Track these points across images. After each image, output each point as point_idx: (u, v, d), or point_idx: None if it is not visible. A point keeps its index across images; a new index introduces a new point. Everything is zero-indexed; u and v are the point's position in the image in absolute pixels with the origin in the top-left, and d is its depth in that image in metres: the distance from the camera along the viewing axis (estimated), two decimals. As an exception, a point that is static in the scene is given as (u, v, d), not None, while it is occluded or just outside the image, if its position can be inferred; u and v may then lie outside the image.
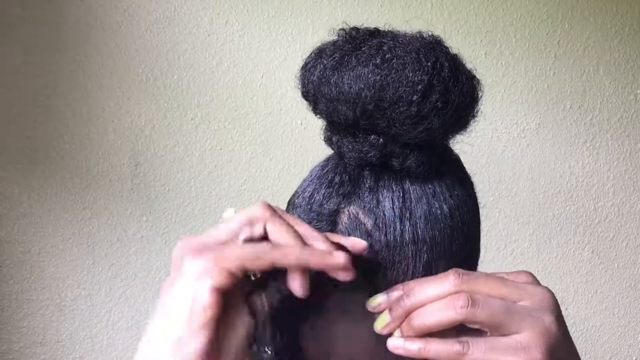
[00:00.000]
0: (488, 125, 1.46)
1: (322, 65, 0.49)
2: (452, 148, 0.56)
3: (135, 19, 1.28)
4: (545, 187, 1.51)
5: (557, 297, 0.46)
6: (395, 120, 0.47)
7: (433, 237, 0.49)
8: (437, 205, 0.50)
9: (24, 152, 1.25)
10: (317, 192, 0.52)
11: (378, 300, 0.48)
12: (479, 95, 0.51)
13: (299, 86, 0.52)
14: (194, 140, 1.32)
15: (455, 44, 0.49)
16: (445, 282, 0.45)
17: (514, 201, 1.49)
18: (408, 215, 0.49)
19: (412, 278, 0.49)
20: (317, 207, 0.51)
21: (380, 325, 0.47)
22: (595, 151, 1.53)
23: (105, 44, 1.27)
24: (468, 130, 0.52)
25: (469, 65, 0.51)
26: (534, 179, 1.50)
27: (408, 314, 0.46)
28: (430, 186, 0.51)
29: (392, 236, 0.49)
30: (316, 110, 0.52)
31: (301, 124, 1.35)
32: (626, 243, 1.58)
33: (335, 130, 0.52)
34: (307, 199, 0.52)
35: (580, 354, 0.45)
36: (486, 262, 1.50)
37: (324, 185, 0.52)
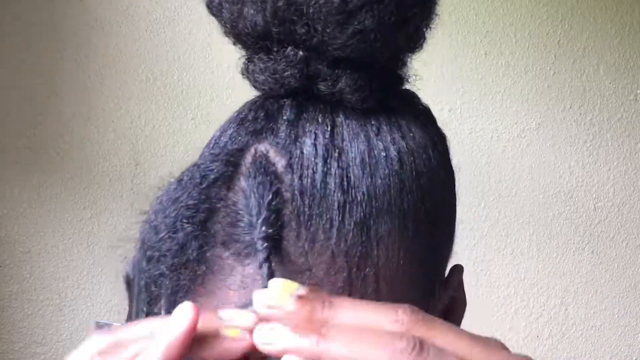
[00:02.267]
0: (488, 125, 1.46)
1: None
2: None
3: (135, 19, 1.28)
4: (545, 187, 1.51)
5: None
6: (315, 21, 0.36)
7: (372, 185, 0.37)
8: (381, 147, 0.38)
9: (24, 152, 1.25)
10: (224, 134, 0.40)
11: (281, 290, 0.30)
12: None
13: None
14: (194, 140, 1.31)
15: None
16: (392, 314, 0.30)
17: (514, 201, 1.49)
18: (336, 155, 0.37)
19: (337, 239, 0.35)
20: (219, 149, 0.39)
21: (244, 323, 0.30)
22: (596, 151, 1.53)
23: (105, 44, 1.27)
24: (420, 47, 0.41)
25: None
26: (534, 179, 1.50)
27: (321, 323, 0.30)
28: (374, 122, 0.39)
29: (309, 180, 0.36)
30: (222, 20, 0.41)
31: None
32: (626, 243, 1.57)
33: (247, 50, 0.41)
34: (211, 144, 0.41)
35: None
36: (486, 262, 1.50)
37: (234, 124, 0.40)
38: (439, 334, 0.31)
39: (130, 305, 0.40)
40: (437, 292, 0.42)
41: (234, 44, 0.42)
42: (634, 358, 1.60)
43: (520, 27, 1.46)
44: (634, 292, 1.59)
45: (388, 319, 0.30)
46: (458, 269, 0.45)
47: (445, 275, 0.44)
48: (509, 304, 1.49)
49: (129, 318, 0.40)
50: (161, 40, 1.29)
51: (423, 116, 0.43)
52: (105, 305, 1.31)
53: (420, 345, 0.29)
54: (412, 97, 0.44)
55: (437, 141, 0.42)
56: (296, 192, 0.36)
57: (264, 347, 0.30)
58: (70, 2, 1.26)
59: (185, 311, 0.30)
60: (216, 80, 1.31)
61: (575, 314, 1.54)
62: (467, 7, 1.42)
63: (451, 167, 0.44)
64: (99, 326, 0.39)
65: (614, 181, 1.55)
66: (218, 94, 1.31)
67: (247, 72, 0.41)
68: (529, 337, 1.51)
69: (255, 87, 0.41)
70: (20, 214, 1.26)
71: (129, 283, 0.41)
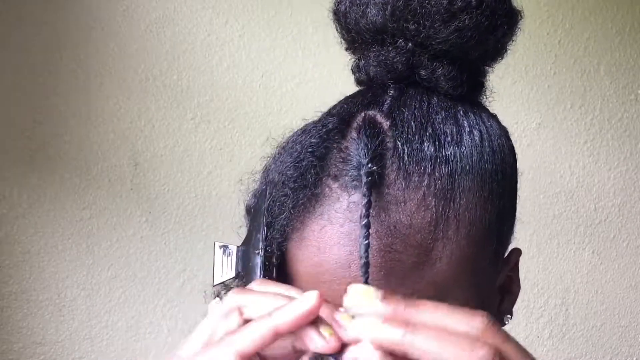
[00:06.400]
0: (488, 125, 1.46)
1: None
2: None
3: (134, 19, 1.28)
4: (546, 187, 1.51)
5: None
6: (425, 18, 0.45)
7: (458, 150, 0.45)
8: (466, 125, 0.46)
9: (23, 152, 1.25)
10: (336, 107, 0.49)
11: (361, 294, 0.35)
12: (518, 15, 0.51)
13: (334, 2, 0.50)
14: (194, 140, 1.31)
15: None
16: (469, 318, 0.34)
17: (515, 201, 1.49)
18: (430, 123, 0.45)
19: (428, 182, 0.43)
20: (334, 112, 0.48)
21: (356, 328, 0.34)
22: (596, 151, 1.53)
23: (105, 44, 1.27)
24: (501, 56, 0.51)
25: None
26: (534, 179, 1.50)
27: (404, 320, 0.34)
28: (460, 107, 0.47)
29: (408, 135, 0.44)
30: (346, 21, 0.49)
31: (301, 124, 1.35)
32: (627, 243, 1.57)
33: (362, 46, 0.49)
34: (325, 113, 0.50)
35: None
36: (486, 262, 1.50)
37: (344, 101, 0.50)
38: (512, 347, 0.33)
39: (249, 230, 0.48)
40: (499, 265, 0.49)
41: (346, 49, 0.51)
42: (635, 358, 1.60)
43: (520, 27, 1.45)
44: (634, 292, 1.59)
45: (465, 323, 0.33)
46: (517, 252, 0.52)
47: (506, 255, 0.51)
48: (509, 304, 1.49)
49: (247, 240, 0.48)
50: (161, 40, 1.29)
51: (494, 119, 0.52)
52: (105, 306, 1.31)
53: (501, 356, 0.32)
54: (486, 110, 0.52)
55: (508, 140, 0.51)
56: (397, 142, 0.43)
57: (357, 336, 0.34)
58: (70, 2, 1.26)
59: (310, 298, 0.35)
60: (216, 80, 1.31)
61: (576, 314, 1.54)
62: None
63: (516, 160, 0.51)
64: (220, 247, 0.48)
65: (615, 181, 1.55)
66: (218, 94, 1.31)
67: (357, 70, 0.49)
68: (529, 337, 1.51)
69: (362, 82, 0.49)
70: (20, 214, 1.26)
71: (249, 211, 0.49)
